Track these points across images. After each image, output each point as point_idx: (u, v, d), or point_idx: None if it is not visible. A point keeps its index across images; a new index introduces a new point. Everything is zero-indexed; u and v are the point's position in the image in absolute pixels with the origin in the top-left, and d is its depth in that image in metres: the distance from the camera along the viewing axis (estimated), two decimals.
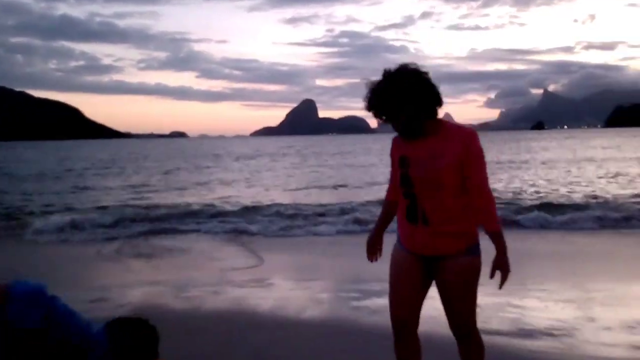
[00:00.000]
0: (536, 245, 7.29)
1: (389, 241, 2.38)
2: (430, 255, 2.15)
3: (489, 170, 2.12)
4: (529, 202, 10.84)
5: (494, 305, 4.13)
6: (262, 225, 8.86)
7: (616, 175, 17.11)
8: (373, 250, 2.39)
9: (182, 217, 9.90)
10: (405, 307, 2.21)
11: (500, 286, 2.08)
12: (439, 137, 2.07)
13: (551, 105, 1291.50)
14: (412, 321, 2.23)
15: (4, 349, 1.95)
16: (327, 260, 6.49)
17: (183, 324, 3.87)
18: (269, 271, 5.80)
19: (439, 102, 2.08)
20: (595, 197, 11.52)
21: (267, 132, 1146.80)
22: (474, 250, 2.13)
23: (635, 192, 12.26)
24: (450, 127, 2.09)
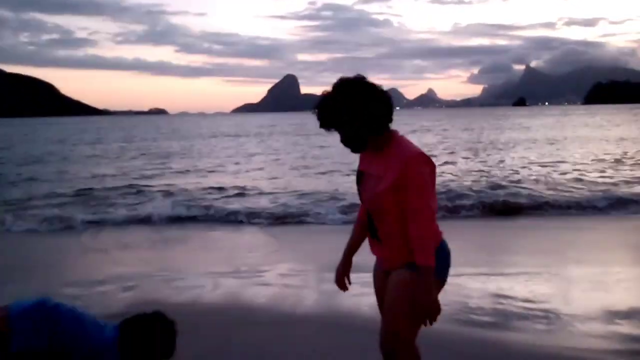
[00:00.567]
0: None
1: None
2: (388, 269, 2.15)
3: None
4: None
5: (471, 294, 4.25)
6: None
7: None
8: (342, 283, 2.33)
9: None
10: None
11: (426, 324, 1.99)
12: (384, 156, 2.01)
13: (533, 81, 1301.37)
14: None
15: None
16: (325, 251, 6.48)
17: (181, 320, 3.87)
18: (267, 262, 5.77)
19: (384, 118, 2.00)
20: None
21: (248, 108, 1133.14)
22: (415, 267, 1.98)
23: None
24: (395, 146, 2.00)
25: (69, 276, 5.33)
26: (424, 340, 3.30)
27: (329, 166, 16.13)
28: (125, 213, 8.90)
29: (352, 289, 4.57)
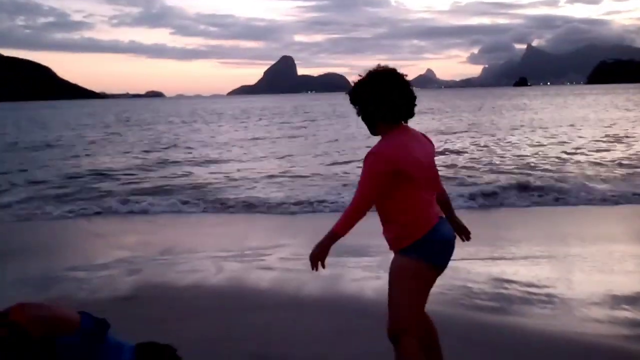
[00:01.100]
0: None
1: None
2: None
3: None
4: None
5: (475, 278, 4.27)
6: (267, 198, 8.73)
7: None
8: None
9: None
10: None
11: (312, 268, 2.32)
12: None
13: (535, 60, 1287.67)
14: None
15: None
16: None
17: (186, 304, 3.90)
18: (270, 246, 5.77)
19: (392, 111, 2.23)
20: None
21: (244, 90, 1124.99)
22: (406, 252, 2.23)
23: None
24: (379, 141, 2.28)
25: (75, 260, 5.35)
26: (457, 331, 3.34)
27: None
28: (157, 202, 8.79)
29: (355, 273, 4.64)
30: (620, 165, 11.29)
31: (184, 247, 5.78)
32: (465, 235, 2.54)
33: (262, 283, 4.43)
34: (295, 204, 8.18)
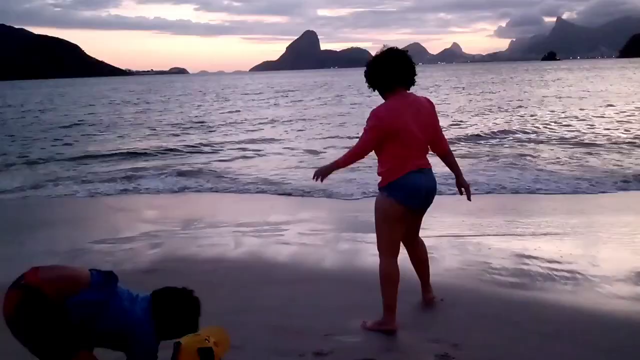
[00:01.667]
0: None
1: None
2: None
3: None
4: None
5: (495, 254, 4.22)
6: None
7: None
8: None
9: None
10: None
11: (313, 178, 2.96)
12: None
13: (564, 34, 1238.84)
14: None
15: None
16: (347, 211, 6.48)
17: (206, 277, 3.97)
18: (289, 222, 5.81)
19: (383, 84, 2.91)
20: None
21: (267, 66, 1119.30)
22: (382, 190, 2.92)
23: None
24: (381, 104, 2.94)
25: (101, 234, 5.50)
26: (445, 296, 3.32)
27: None
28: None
29: (373, 248, 4.62)
30: None
31: (205, 222, 5.87)
32: (467, 194, 3.08)
33: (280, 257, 4.48)
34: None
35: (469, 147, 11.19)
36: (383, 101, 2.93)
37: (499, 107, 20.74)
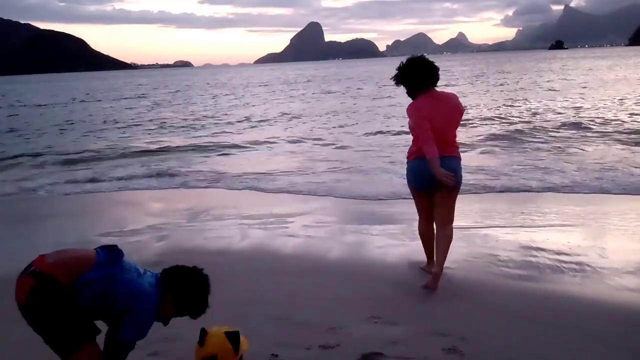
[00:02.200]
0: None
1: None
2: None
3: None
4: None
5: (503, 246, 4.20)
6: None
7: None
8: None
9: None
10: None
11: (447, 183, 3.31)
12: None
13: (572, 22, 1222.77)
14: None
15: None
16: (350, 203, 6.45)
17: (211, 269, 3.95)
18: (294, 215, 5.79)
19: (419, 84, 3.44)
20: None
21: (271, 58, 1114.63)
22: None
23: None
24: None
25: (109, 226, 5.52)
26: (449, 289, 3.30)
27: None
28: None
29: (379, 240, 4.62)
30: None
31: (211, 215, 5.87)
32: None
33: (285, 250, 4.47)
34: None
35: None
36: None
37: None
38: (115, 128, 16.65)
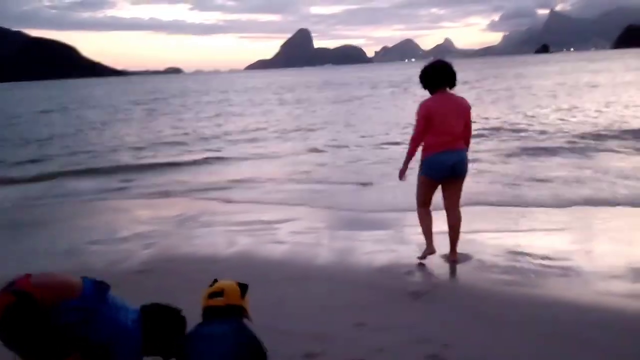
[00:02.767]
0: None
1: None
2: None
3: None
4: None
5: (488, 250, 4.23)
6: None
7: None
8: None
9: None
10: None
11: (400, 178, 4.15)
12: None
13: (558, 26, 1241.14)
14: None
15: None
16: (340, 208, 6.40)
17: (198, 277, 3.92)
18: (281, 221, 5.77)
19: (433, 84, 3.96)
20: None
21: (261, 65, 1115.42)
22: (420, 166, 4.03)
23: None
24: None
25: (98, 234, 5.48)
26: (435, 296, 3.30)
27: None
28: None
29: (366, 246, 4.61)
30: None
31: (198, 222, 5.83)
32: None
33: (272, 256, 4.45)
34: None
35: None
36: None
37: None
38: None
